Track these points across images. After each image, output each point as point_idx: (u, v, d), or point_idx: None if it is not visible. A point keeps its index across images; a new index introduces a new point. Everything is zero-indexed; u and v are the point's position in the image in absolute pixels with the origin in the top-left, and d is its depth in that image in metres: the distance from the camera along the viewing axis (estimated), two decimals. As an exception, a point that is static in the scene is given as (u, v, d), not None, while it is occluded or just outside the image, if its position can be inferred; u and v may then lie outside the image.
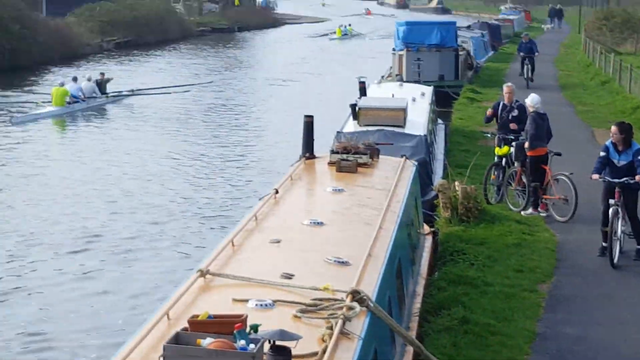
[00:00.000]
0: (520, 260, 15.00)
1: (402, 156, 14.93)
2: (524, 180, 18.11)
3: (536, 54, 39.91)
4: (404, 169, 13.87)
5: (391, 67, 39.88)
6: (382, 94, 25.18)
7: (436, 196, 17.45)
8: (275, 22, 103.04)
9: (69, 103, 35.78)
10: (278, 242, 9.64)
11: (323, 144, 15.54)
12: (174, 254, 18.23)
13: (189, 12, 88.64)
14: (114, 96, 39.16)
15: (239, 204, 21.73)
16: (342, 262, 9.07)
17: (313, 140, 14.48)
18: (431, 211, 17.50)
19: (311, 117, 14.79)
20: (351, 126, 20.13)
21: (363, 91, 24.08)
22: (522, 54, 40.18)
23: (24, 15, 53.32)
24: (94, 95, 37.73)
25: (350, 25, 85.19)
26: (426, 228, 15.46)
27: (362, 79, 25.00)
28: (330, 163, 13.52)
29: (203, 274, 8.39)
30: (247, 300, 7.74)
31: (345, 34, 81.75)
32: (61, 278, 16.96)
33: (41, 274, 17.13)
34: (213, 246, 10.01)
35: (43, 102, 36.18)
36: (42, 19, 59.64)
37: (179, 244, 18.90)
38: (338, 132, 19.05)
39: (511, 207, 18.36)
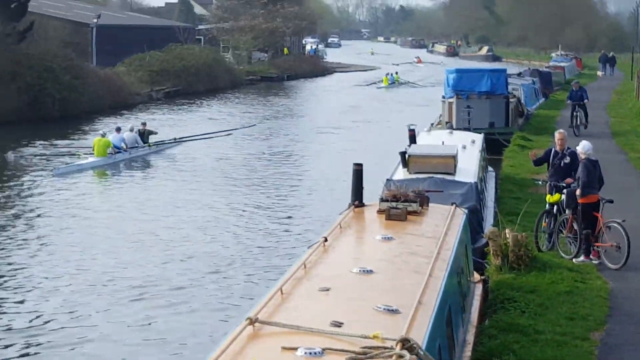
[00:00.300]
0: (572, 308, 14.85)
1: (452, 204, 14.88)
2: (576, 227, 17.98)
3: (586, 100, 39.66)
4: (454, 216, 13.84)
5: (441, 115, 39.84)
6: (432, 141, 25.17)
7: (486, 244, 17.34)
8: (324, 70, 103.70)
9: (111, 154, 35.40)
10: (327, 290, 9.62)
11: (372, 192, 15.52)
12: (223, 302, 18.27)
13: (238, 61, 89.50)
14: (156, 145, 38.82)
15: (287, 252, 21.75)
16: (392, 310, 9.05)
17: (362, 188, 14.55)
18: (482, 259, 17.41)
19: (360, 164, 14.89)
20: (401, 174, 20.10)
21: (413, 139, 24.13)
22: (571, 101, 39.90)
23: (74, 65, 54.18)
24: (136, 145, 37.35)
25: (397, 73, 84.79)
26: (476, 276, 15.39)
27: (411, 127, 25.06)
28: (380, 211, 13.50)
29: (252, 322, 8.40)
30: (296, 349, 7.73)
31: (393, 82, 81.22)
32: (111, 328, 17.07)
33: (92, 322, 17.27)
34: (262, 294, 10.05)
35: (85, 153, 35.81)
36: (92, 68, 60.42)
37: (228, 292, 18.94)
38: (387, 179, 19.01)
39: (563, 254, 18.24)
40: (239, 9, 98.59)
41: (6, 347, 16.13)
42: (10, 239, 23.60)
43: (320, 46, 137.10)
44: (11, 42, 51.59)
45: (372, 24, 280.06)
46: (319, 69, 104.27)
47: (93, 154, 35.21)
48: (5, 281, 19.86)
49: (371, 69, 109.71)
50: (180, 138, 40.58)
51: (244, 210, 27.27)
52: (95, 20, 71.81)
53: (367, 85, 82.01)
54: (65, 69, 52.18)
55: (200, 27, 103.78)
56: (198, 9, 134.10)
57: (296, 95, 75.43)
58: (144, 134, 38.33)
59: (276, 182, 32.22)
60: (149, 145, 38.22)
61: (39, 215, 26.60)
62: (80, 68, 54.92)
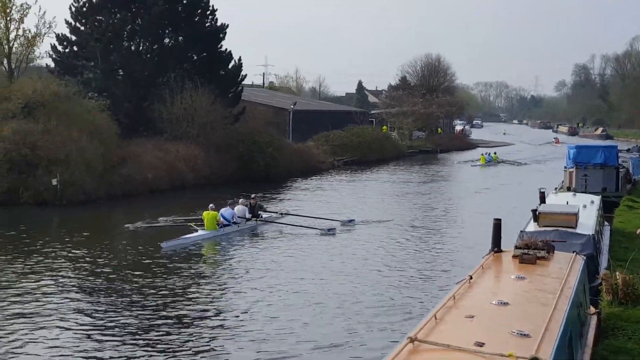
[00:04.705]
0: (675, 336, 14.29)
1: (573, 252, 14.63)
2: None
3: None
4: (575, 261, 13.56)
5: (563, 181, 39.38)
6: (558, 201, 24.73)
7: (600, 283, 16.90)
8: (470, 145, 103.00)
9: (220, 226, 30.03)
10: (472, 317, 9.57)
11: (507, 241, 15.35)
12: (385, 325, 18.11)
13: (401, 137, 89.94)
14: (263, 219, 32.50)
15: (438, 287, 21.52)
16: (524, 334, 8.90)
17: (500, 237, 14.55)
18: (596, 295, 16.93)
19: (499, 219, 14.88)
20: (532, 227, 19.89)
21: (543, 199, 23.91)
22: None
23: (275, 140, 55.38)
24: (245, 217, 31.87)
25: (495, 153, 77.55)
26: (592, 309, 14.97)
27: (542, 189, 24.92)
28: (514, 256, 13.42)
29: (412, 340, 8.42)
30: (447, 362, 7.69)
31: (489, 161, 73.78)
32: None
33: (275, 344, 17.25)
34: (419, 319, 10.01)
35: (196, 224, 30.14)
36: (289, 143, 61.72)
37: (388, 316, 18.74)
38: (521, 231, 18.87)
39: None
40: (403, 98, 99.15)
41: None
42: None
43: (467, 127, 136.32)
44: (228, 122, 53.33)
45: (509, 109, 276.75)
46: (465, 144, 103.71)
47: (203, 226, 29.68)
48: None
49: (507, 145, 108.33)
50: (286, 213, 34.35)
51: (402, 251, 26.99)
52: (292, 106, 73.36)
53: (464, 162, 75.98)
54: (268, 143, 53.40)
55: (373, 111, 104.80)
56: (371, 98, 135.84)
57: (446, 164, 75.03)
58: (255, 207, 32.76)
59: (428, 232, 31.93)
60: (257, 219, 32.32)
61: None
62: (278, 142, 56.07)
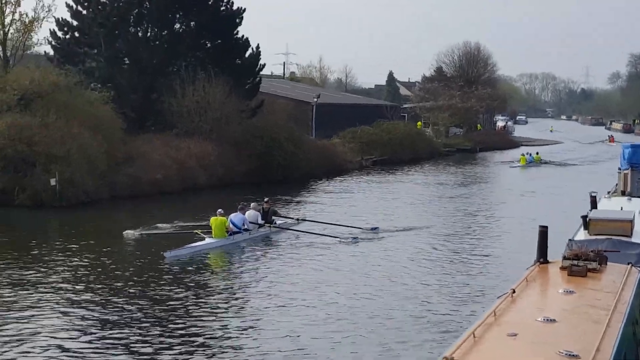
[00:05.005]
0: None
1: (628, 263, 14.49)
2: None
3: None
4: (630, 274, 13.48)
5: (616, 184, 38.95)
6: (612, 207, 24.55)
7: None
8: (512, 143, 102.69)
9: (229, 233, 29.42)
10: (514, 335, 9.54)
11: (554, 251, 15.28)
12: (419, 344, 18.08)
13: (436, 134, 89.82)
14: (277, 226, 32.18)
15: (477, 301, 21.46)
16: (573, 355, 8.87)
17: (547, 247, 14.46)
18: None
19: (545, 227, 14.80)
20: (582, 235, 19.72)
21: (594, 204, 23.69)
22: None
23: (296, 136, 55.40)
24: (257, 222, 31.22)
25: (537, 153, 76.52)
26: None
27: (593, 193, 24.61)
28: (562, 267, 13.40)
29: (448, 360, 8.43)
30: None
31: (530, 162, 72.92)
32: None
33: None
34: (456, 337, 10.00)
35: (202, 232, 29.39)
36: (311, 139, 61.79)
37: (422, 334, 18.72)
38: (570, 240, 18.69)
39: None
40: (438, 91, 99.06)
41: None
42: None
43: (509, 123, 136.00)
44: (244, 116, 53.42)
45: (556, 103, 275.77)
46: (508, 142, 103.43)
47: (211, 234, 29.06)
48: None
49: (553, 144, 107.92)
50: (302, 219, 34.22)
51: (436, 261, 26.96)
52: (315, 99, 73.42)
53: (500, 163, 76.21)
54: (288, 139, 53.40)
55: (405, 105, 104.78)
56: (403, 90, 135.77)
57: (486, 165, 74.85)
58: (268, 212, 32.29)
59: (466, 239, 31.86)
60: (270, 226, 31.75)
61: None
62: (300, 139, 56.02)
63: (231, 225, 29.69)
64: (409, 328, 18.98)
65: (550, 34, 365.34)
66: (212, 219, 29.26)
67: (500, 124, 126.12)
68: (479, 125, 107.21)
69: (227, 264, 27.41)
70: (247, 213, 30.97)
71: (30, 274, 23.73)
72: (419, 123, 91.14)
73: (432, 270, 25.62)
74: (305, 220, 34.18)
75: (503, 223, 36.59)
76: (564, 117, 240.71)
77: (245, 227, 30.38)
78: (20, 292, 21.56)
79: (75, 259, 26.04)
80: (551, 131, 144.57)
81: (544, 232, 14.72)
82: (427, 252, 28.71)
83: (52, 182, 37.36)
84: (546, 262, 14.07)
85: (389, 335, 18.41)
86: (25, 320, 18.83)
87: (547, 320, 10.23)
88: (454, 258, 27.84)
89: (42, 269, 24.39)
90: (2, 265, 24.95)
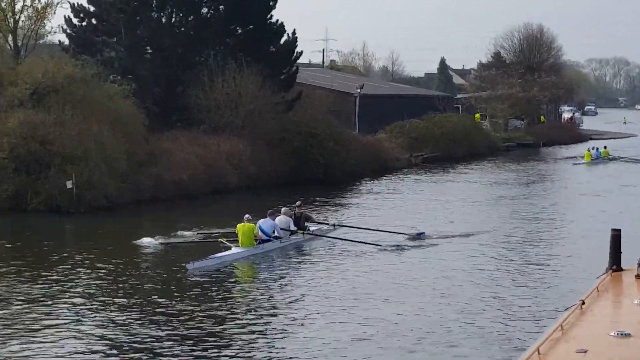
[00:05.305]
0: None
1: None
2: None
3: None
4: None
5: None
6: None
7: None
8: (580, 137, 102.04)
9: (258, 242, 28.97)
10: (584, 352, 9.45)
11: (628, 257, 15.07)
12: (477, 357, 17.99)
13: (494, 128, 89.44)
14: (311, 233, 31.79)
15: (542, 314, 21.29)
16: (651, 374, 8.78)
17: (620, 253, 14.31)
18: None
19: (619, 230, 14.65)
20: (659, 239, 19.57)
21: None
22: None
23: (337, 132, 55.35)
24: (289, 229, 30.86)
25: (605, 147, 75.24)
26: None
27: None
28: (638, 276, 13.27)
29: (508, 380, 8.33)
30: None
31: (596, 158, 71.61)
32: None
33: None
34: (519, 353, 9.91)
35: (228, 240, 29.12)
36: (354, 135, 61.77)
37: (481, 350, 18.59)
38: (646, 245, 18.56)
39: None
40: (496, 79, 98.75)
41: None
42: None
43: (577, 114, 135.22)
44: (280, 110, 53.46)
45: (629, 91, 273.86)
46: (575, 135, 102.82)
47: (238, 242, 28.74)
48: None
49: (627, 137, 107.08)
50: (339, 224, 33.93)
51: (493, 270, 26.77)
52: (358, 90, 73.37)
53: (563, 160, 75.57)
54: (329, 136, 53.39)
55: (459, 96, 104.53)
56: (457, 79, 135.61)
57: (552, 161, 74.41)
58: (300, 218, 31.83)
59: (527, 246, 31.65)
60: (303, 233, 31.43)
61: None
62: (341, 135, 55.92)
63: (260, 233, 29.25)
64: (466, 344, 18.88)
65: (623, 14, 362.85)
66: (239, 225, 28.83)
67: (566, 115, 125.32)
68: (542, 117, 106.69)
69: (256, 276, 27.31)
70: (277, 219, 30.45)
71: (42, 283, 23.92)
72: (477, 115, 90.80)
73: (488, 281, 25.44)
74: (342, 225, 33.92)
75: (569, 227, 36.41)
76: (638, 106, 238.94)
77: (276, 234, 30.06)
78: (31, 306, 21.64)
79: (90, 270, 26.12)
80: (624, 123, 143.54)
81: (616, 236, 14.58)
82: (483, 260, 28.53)
83: (69, 184, 37.48)
84: (619, 269, 13.96)
85: (445, 354, 18.31)
86: (33, 336, 18.91)
87: (621, 334, 10.11)
88: (513, 266, 27.68)
89: (55, 281, 24.48)
90: (12, 276, 25.15)
